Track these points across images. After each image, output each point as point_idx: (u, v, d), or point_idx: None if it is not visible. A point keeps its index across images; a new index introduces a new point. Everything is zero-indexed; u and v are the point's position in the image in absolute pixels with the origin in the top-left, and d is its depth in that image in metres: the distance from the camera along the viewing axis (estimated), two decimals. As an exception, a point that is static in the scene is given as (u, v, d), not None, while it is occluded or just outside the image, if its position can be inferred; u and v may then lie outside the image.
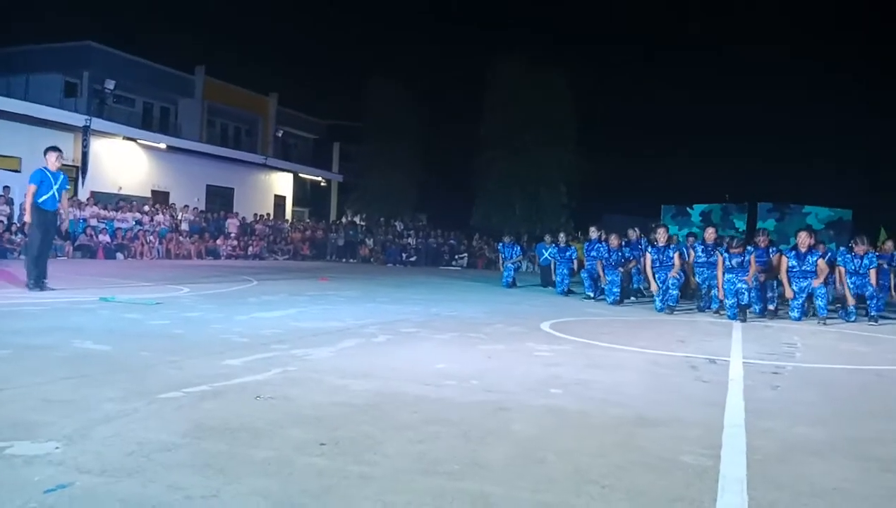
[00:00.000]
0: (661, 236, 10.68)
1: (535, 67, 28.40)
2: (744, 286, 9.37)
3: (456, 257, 26.52)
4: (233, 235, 24.03)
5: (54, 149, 9.03)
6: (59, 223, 9.23)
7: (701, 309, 10.50)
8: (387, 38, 42.90)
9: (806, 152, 30.01)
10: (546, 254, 15.32)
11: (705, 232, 11.01)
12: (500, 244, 16.10)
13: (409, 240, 27.71)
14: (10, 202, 17.97)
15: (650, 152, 31.88)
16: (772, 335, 8.01)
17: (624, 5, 40.12)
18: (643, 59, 36.35)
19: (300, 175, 34.26)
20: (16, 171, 20.10)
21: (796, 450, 3.18)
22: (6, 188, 18.23)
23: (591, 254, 12.40)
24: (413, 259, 25.96)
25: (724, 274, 9.72)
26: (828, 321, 9.35)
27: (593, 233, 12.97)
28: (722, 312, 9.78)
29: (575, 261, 13.80)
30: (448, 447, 2.98)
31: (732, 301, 9.47)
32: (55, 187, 8.69)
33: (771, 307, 10.20)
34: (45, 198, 8.60)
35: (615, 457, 2.93)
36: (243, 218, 26.56)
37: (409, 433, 3.16)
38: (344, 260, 26.36)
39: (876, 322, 9.47)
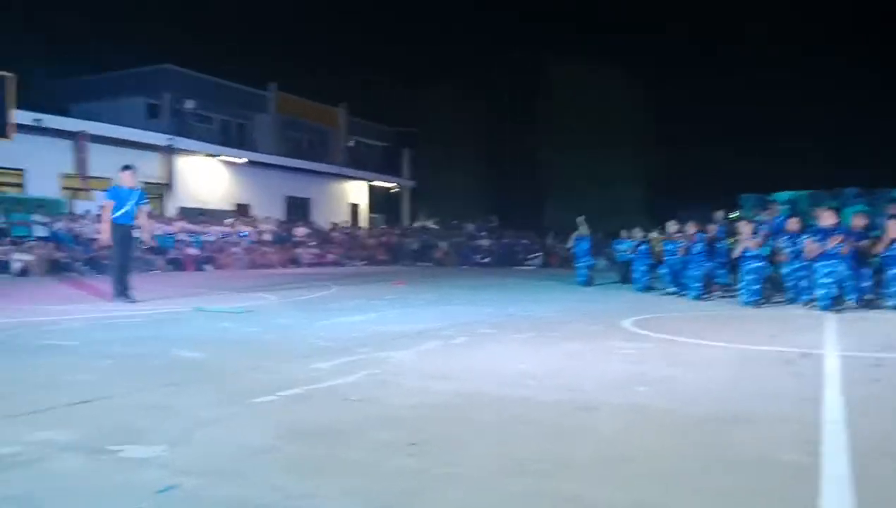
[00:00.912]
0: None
1: (605, 60, 28.04)
2: (837, 274, 8.93)
3: (529, 256, 26.36)
4: (298, 238, 24.55)
5: (128, 167, 9.47)
6: (139, 236, 9.64)
7: (790, 302, 10.07)
8: (447, 40, 42.95)
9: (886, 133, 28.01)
10: (622, 250, 15.01)
11: (788, 221, 10.54)
12: (574, 239, 15.71)
13: (482, 241, 27.72)
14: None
15: (726, 141, 30.67)
16: (869, 326, 7.62)
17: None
18: (716, 43, 35.03)
19: (373, 182, 34.85)
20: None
21: (902, 446, 3.03)
22: (103, 208, 19.28)
23: (669, 249, 12.09)
24: (486, 260, 25.94)
25: (816, 262, 9.29)
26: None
27: (672, 226, 12.64)
28: (814, 304, 9.35)
29: (654, 256, 13.47)
30: (534, 447, 2.98)
31: (824, 291, 9.04)
32: (130, 203, 9.12)
33: (867, 296, 9.68)
34: (119, 214, 9.04)
35: (707, 456, 2.87)
36: (312, 223, 27.25)
37: (494, 433, 3.18)
38: (418, 263, 26.62)
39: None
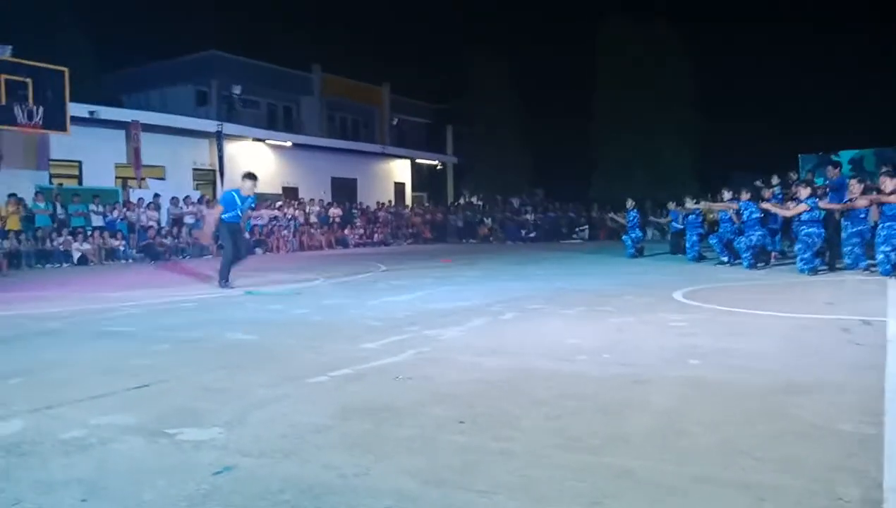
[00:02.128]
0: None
1: (647, 26, 27.33)
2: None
3: (576, 230, 26.08)
4: (335, 223, 24.65)
5: (251, 176, 9.61)
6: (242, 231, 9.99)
7: (850, 268, 9.73)
8: (488, 12, 42.32)
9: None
10: (672, 221, 14.74)
11: (850, 184, 10.12)
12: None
13: (528, 216, 27.52)
14: (158, 208, 19.48)
15: (779, 102, 29.48)
16: (935, 290, 7.31)
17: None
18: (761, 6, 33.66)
19: (417, 160, 34.85)
20: (161, 179, 21.77)
21: (973, 415, 2.90)
22: (156, 196, 19.79)
23: (723, 217, 11.82)
24: (532, 235, 25.78)
25: (879, 224, 8.96)
26: None
27: (726, 195, 12.32)
28: (874, 269, 9.02)
29: (706, 225, 13.19)
30: (586, 421, 2.96)
31: (883, 256, 8.71)
32: (241, 207, 9.32)
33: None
34: (229, 215, 9.28)
35: (765, 427, 2.80)
36: (355, 203, 27.49)
37: (546, 408, 3.17)
38: (464, 240, 26.61)
39: None
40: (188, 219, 19.80)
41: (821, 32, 29.89)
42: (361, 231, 25.02)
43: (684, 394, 3.38)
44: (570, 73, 32.04)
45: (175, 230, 19.10)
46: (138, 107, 23.17)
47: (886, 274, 8.60)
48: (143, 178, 20.93)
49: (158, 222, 19.16)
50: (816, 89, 28.46)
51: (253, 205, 9.99)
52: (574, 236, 25.49)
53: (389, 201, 30.20)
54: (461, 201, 33.09)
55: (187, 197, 20.75)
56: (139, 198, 19.42)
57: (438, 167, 36.78)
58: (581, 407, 3.18)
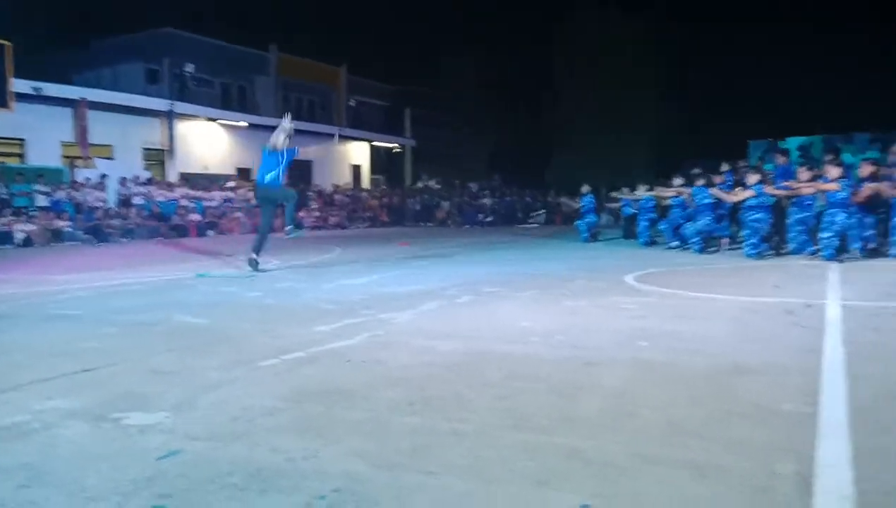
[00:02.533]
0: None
1: (611, 11, 27.65)
2: (840, 223, 8.90)
3: (532, 214, 26.30)
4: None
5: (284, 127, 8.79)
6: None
7: (795, 252, 10.03)
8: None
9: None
10: (625, 206, 14.96)
11: (798, 172, 10.41)
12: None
13: (485, 200, 27.63)
14: (105, 188, 18.95)
15: (733, 88, 30.05)
16: (872, 275, 7.60)
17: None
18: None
19: (374, 143, 34.61)
20: (109, 159, 21.17)
21: (903, 394, 3.03)
22: (104, 176, 19.23)
23: (675, 203, 12.05)
24: (489, 219, 25.90)
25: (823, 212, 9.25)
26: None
27: (677, 182, 12.55)
28: (819, 254, 9.32)
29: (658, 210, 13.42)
30: (537, 402, 3.00)
31: (825, 242, 9.00)
32: (281, 166, 8.61)
33: (871, 245, 9.64)
34: (269, 176, 8.69)
35: (710, 408, 2.88)
36: (310, 185, 27.14)
37: (498, 390, 3.20)
38: (421, 224, 26.60)
39: None
40: (137, 200, 19.32)
41: (772, 23, 30.62)
42: (317, 214, 24.77)
43: (634, 376, 3.45)
44: (532, 61, 32.22)
45: (124, 211, 18.63)
46: (89, 85, 22.42)
47: (828, 258, 8.90)
48: (90, 158, 20.33)
49: (106, 203, 18.65)
50: (770, 77, 29.16)
51: (291, 158, 9.12)
52: (530, 221, 25.69)
53: (346, 183, 29.95)
54: (419, 185, 33.02)
55: (136, 177, 20.25)
56: (86, 178, 18.86)
57: (396, 150, 36.61)
58: (533, 389, 3.22)
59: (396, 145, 36.25)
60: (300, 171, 29.45)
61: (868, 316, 4.97)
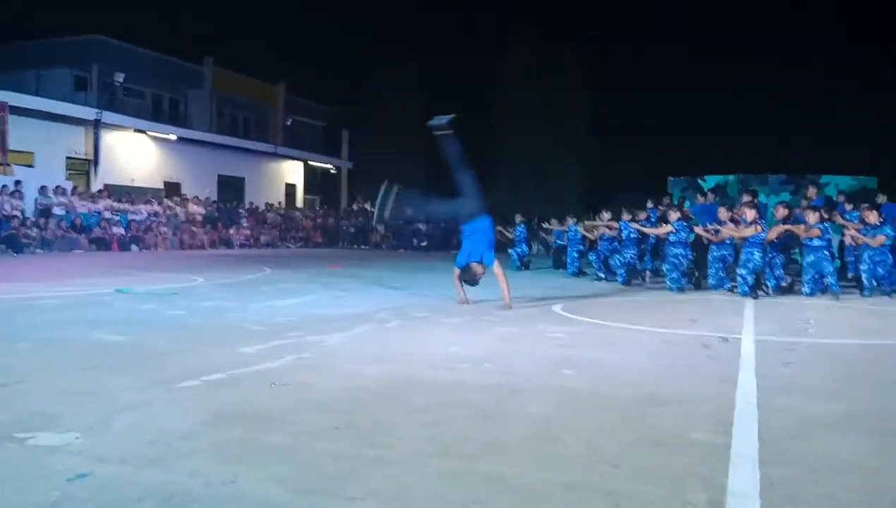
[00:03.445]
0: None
1: (548, 44, 28.40)
2: (755, 261, 9.34)
3: (467, 241, 26.44)
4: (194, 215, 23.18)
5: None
6: None
7: (714, 287, 10.44)
8: (396, 18, 42.37)
9: (822, 119, 28.83)
10: (555, 237, 15.30)
11: (719, 211, 10.87)
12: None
13: (420, 224, 27.70)
14: (22, 196, 18.08)
15: (658, 126, 31.25)
16: (785, 311, 7.98)
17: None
18: (652, 31, 35.67)
19: (310, 163, 34.30)
20: (29, 166, 20.25)
21: (810, 426, 3.19)
22: (18, 183, 18.36)
23: (603, 236, 12.39)
24: (424, 244, 25.96)
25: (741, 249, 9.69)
26: (841, 297, 9.28)
27: (605, 215, 12.91)
28: (735, 290, 9.73)
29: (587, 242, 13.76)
30: (462, 429, 3.01)
31: (741, 279, 9.43)
32: None
33: (784, 283, 10.13)
34: None
35: (627, 436, 2.96)
36: (242, 203, 26.64)
37: (424, 416, 3.20)
38: (356, 246, 26.43)
39: (890, 296, 9.44)
40: (57, 211, 18.52)
41: (698, 57, 32.13)
42: (248, 232, 24.31)
43: (558, 403, 3.51)
44: (473, 88, 32.61)
45: (42, 221, 17.82)
46: (10, 88, 21.47)
47: (745, 294, 9.31)
48: (7, 164, 19.39)
49: (23, 212, 17.80)
50: (693, 115, 30.43)
51: None
52: (464, 247, 25.81)
53: (279, 203, 29.54)
54: (354, 206, 32.86)
55: (58, 186, 19.43)
56: (2, 186, 17.97)
57: (332, 171, 36.39)
58: (459, 416, 3.23)
59: (332, 166, 36.03)
60: (232, 188, 28.93)
61: (780, 350, 5.21)
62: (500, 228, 17.35)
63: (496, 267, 7.67)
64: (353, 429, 2.96)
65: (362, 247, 26.40)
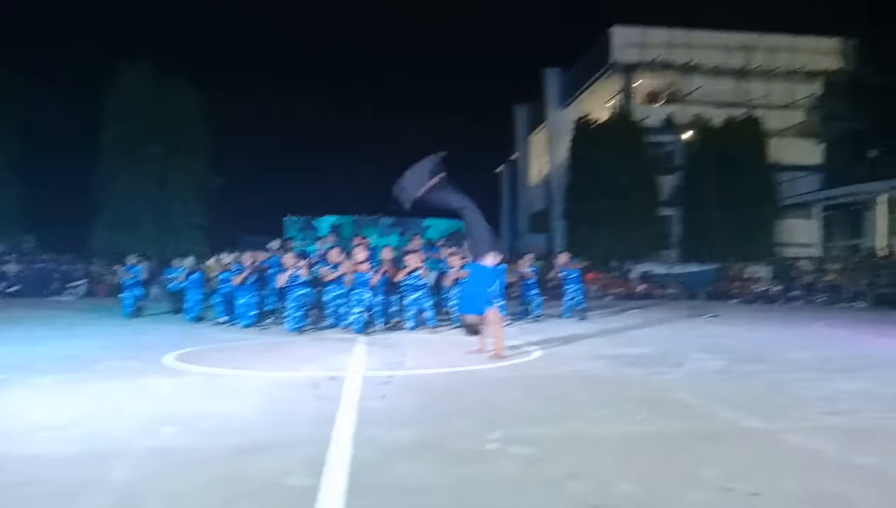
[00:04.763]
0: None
1: (162, 76, 27.07)
2: (367, 300, 10.14)
3: (70, 285, 23.47)
4: None
5: None
6: None
7: (332, 326, 10.92)
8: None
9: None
10: (174, 279, 14.50)
11: (331, 251, 11.40)
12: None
13: (10, 265, 23.81)
14: None
15: (275, 165, 32.05)
16: (391, 346, 8.73)
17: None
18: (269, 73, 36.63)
19: None
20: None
21: (392, 454, 3.55)
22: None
23: (224, 278, 12.18)
24: (14, 288, 22.34)
25: (352, 289, 10.38)
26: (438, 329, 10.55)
27: (226, 257, 12.73)
28: (350, 328, 10.36)
29: (209, 285, 13.35)
30: (31, 510, 2.67)
31: (357, 316, 10.14)
32: None
33: (394, 320, 11.13)
34: None
35: (220, 491, 2.94)
36: None
37: (-17, 503, 2.76)
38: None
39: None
40: None
41: (307, 102, 33.77)
42: None
43: (148, 466, 3.32)
44: (80, 111, 29.22)
45: None
46: None
47: (358, 331, 10.00)
48: None
49: None
50: (306, 158, 31.86)
51: None
52: (67, 292, 22.91)
53: None
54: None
55: None
56: None
57: None
58: (33, 494, 2.87)
59: None
60: None
61: (379, 384, 5.69)
62: (118, 267, 15.68)
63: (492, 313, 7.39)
64: None
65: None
